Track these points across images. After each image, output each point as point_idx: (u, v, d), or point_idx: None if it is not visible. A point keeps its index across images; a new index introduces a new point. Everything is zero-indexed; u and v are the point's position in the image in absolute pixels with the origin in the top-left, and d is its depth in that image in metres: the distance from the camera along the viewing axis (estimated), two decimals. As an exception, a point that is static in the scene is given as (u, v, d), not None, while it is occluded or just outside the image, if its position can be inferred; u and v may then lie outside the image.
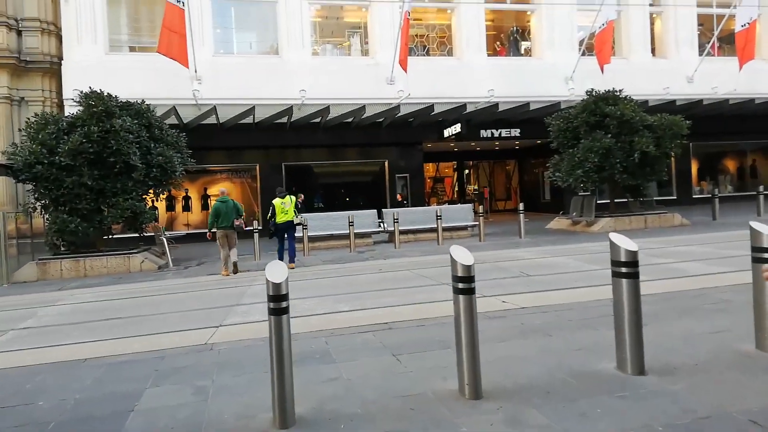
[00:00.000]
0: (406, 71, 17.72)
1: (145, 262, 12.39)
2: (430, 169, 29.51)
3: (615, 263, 3.67)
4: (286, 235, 11.24)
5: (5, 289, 10.80)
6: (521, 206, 14.35)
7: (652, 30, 24.15)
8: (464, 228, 15.78)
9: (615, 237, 3.71)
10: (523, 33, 23.94)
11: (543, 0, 22.41)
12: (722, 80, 22.82)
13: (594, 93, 15.67)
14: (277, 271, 3.35)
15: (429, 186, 29.36)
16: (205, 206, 21.38)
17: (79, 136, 12.11)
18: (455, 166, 29.89)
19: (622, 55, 23.24)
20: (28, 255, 13.51)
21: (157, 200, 14.01)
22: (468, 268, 3.56)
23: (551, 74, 21.87)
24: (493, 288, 7.13)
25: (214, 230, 10.49)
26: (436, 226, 14.09)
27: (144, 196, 13.51)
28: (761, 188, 16.99)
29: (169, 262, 12.63)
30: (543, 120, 21.26)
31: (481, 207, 14.35)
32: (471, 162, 29.94)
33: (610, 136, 14.80)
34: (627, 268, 3.60)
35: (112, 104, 12.90)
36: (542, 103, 20.41)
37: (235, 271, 10.46)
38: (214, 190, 21.41)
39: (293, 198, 11.45)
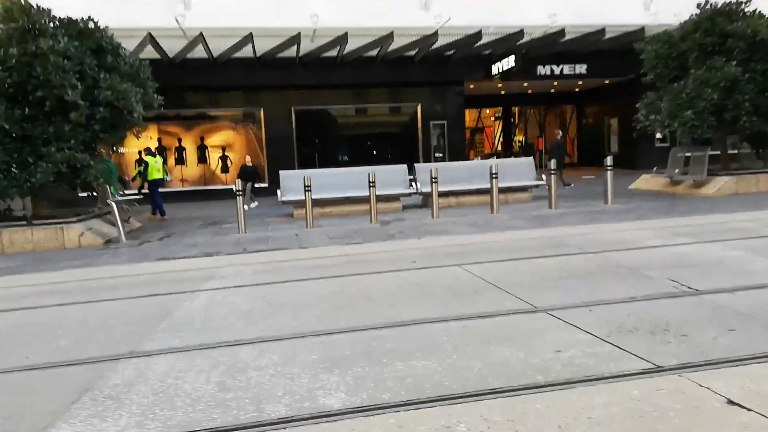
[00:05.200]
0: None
1: (86, 236, 8.96)
2: (468, 116, 25.34)
3: None
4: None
5: None
6: (609, 161, 10.29)
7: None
8: (524, 189, 11.91)
9: None
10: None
11: None
12: None
13: (710, 5, 11.24)
14: None
15: (466, 137, 25.30)
16: (202, 158, 17.93)
17: (-9, 61, 8.64)
18: (499, 113, 25.61)
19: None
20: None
21: (112, 151, 10.52)
22: None
23: (628, -3, 17.24)
24: (656, 336, 3.37)
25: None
26: (488, 186, 10.27)
27: (95, 145, 10.07)
28: None
29: (121, 234, 9.18)
30: (614, 54, 16.88)
31: (553, 161, 10.34)
32: (518, 108, 25.57)
33: (734, 63, 10.51)
34: None
35: (42, 19, 9.29)
36: (616, 32, 15.95)
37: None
38: (214, 140, 17.91)
39: (160, 157, 12.79)
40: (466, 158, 19.55)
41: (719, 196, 10.58)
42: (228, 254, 7.23)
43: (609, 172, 10.26)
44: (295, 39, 14.54)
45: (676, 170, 11.87)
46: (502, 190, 10.94)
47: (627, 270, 5.08)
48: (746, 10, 11.23)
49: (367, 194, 9.78)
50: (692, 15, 11.55)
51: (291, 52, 15.57)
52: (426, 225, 9.04)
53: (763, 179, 11.13)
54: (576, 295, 4.33)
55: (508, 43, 15.60)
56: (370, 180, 9.60)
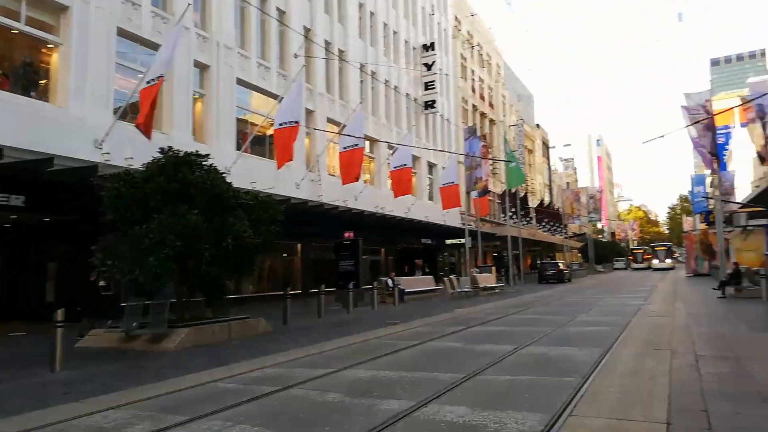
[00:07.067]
0: None
1: None
2: None
3: None
4: None
5: None
6: (60, 315, 8.02)
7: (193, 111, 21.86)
8: None
9: None
10: (38, 70, 17.20)
11: (75, 34, 16.84)
12: (259, 179, 22.28)
13: (173, 152, 11.29)
14: None
15: None
16: None
17: None
18: None
19: (162, 130, 19.56)
20: None
21: None
22: None
23: (77, 132, 16.02)
24: None
25: None
26: None
27: None
28: (352, 284, 16.08)
29: None
30: (62, 188, 14.90)
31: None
32: None
33: (197, 212, 10.62)
34: None
35: None
36: (67, 165, 14.20)
37: None
38: None
39: None
40: None
41: (180, 350, 9.87)
42: None
43: (59, 330, 7.97)
44: None
45: (134, 323, 10.57)
46: None
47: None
48: (205, 164, 11.76)
49: None
50: (154, 159, 11.28)
51: None
52: None
53: (218, 329, 11.25)
54: None
55: None
56: None
